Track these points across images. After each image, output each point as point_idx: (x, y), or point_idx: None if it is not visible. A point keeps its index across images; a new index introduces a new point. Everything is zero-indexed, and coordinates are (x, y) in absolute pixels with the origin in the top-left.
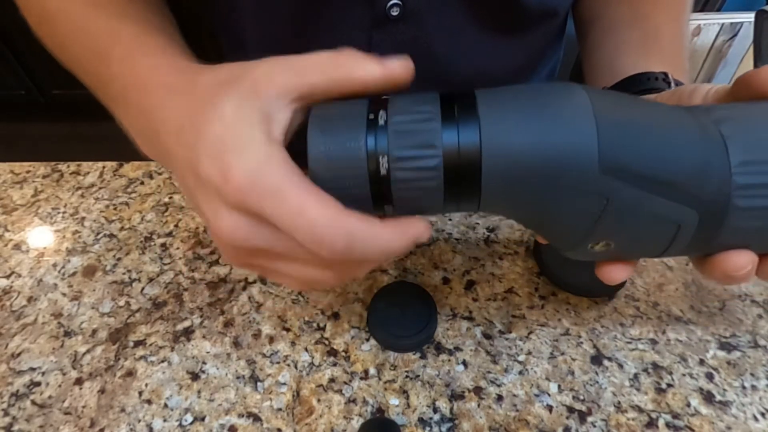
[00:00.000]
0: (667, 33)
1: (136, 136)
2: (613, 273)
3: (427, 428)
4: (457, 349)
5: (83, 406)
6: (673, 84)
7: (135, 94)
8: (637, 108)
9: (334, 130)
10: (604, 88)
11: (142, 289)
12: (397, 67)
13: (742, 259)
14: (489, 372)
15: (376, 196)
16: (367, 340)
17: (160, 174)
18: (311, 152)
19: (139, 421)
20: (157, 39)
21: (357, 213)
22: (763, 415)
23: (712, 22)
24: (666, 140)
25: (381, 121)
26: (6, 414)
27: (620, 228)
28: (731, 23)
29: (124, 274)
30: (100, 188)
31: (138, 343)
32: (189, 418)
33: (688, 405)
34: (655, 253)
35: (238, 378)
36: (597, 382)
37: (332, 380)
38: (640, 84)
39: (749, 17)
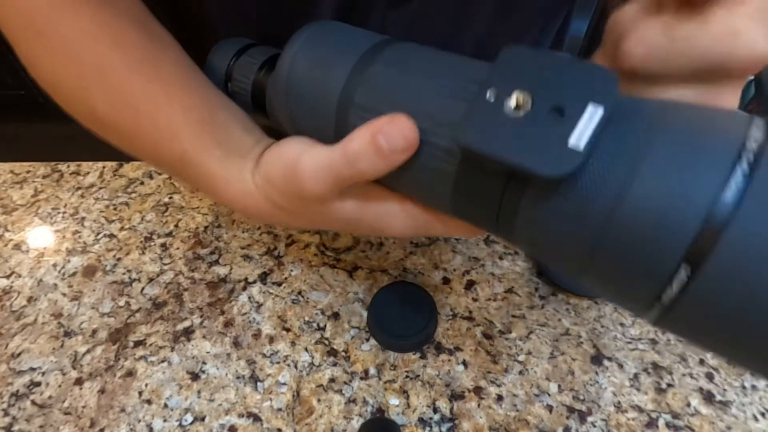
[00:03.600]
0: None
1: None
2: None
3: (427, 428)
4: (457, 349)
5: (83, 406)
6: None
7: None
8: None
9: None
10: None
11: (142, 289)
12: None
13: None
14: (489, 372)
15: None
16: (367, 340)
17: (159, 174)
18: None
19: (139, 421)
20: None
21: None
22: (763, 415)
23: None
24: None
25: None
26: (6, 414)
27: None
28: None
29: (124, 274)
30: (100, 188)
31: (138, 343)
32: (189, 418)
33: (688, 405)
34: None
35: (238, 378)
36: (597, 382)
37: (332, 380)
38: None
39: None
